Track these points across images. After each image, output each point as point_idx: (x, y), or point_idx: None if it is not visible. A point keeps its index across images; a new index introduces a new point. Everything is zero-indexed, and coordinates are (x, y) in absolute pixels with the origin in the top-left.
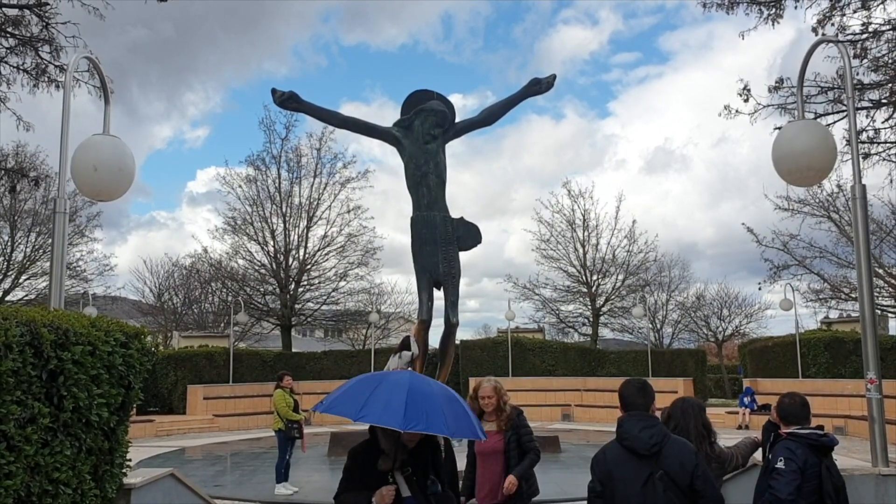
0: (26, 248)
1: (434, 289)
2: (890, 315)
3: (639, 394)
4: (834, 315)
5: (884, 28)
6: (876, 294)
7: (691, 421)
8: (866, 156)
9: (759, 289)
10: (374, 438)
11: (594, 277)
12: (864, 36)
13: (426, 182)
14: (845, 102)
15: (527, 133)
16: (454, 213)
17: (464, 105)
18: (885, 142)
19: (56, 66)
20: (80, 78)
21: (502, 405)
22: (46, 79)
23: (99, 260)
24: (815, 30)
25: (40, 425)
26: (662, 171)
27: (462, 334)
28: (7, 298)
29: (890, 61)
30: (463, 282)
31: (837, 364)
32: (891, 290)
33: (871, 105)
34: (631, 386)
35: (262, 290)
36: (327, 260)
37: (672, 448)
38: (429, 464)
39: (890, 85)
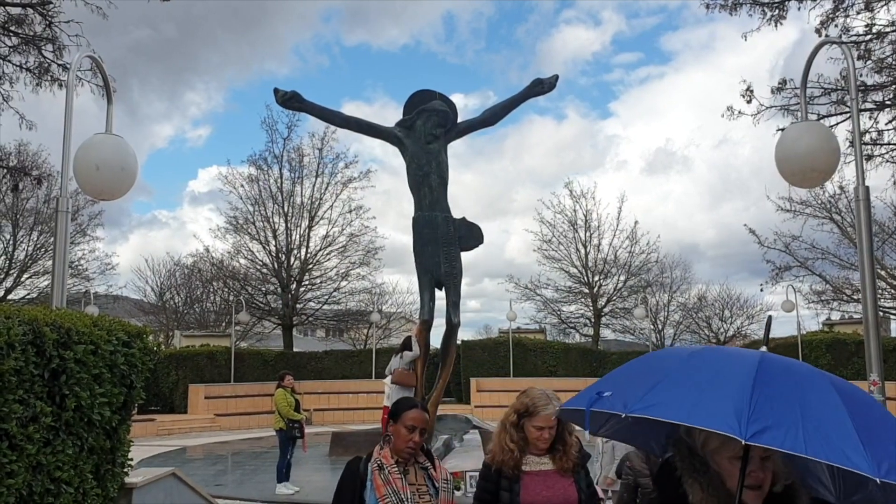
0: (28, 246)
1: (436, 289)
2: (892, 317)
3: None
4: (836, 317)
5: (888, 29)
6: (878, 296)
7: None
8: (869, 157)
9: (761, 290)
10: (668, 482)
11: (596, 278)
12: (868, 37)
13: (428, 182)
14: (849, 104)
15: (528, 133)
16: (456, 214)
17: (465, 105)
18: (889, 143)
19: (59, 65)
20: (82, 77)
21: (567, 435)
22: (49, 78)
23: (100, 259)
24: (818, 31)
25: (42, 424)
26: (664, 172)
27: (463, 334)
28: (9, 297)
29: (894, 63)
30: (464, 282)
31: (839, 366)
32: (893, 291)
33: (874, 107)
34: None
35: (263, 289)
36: (329, 260)
37: None
38: None
39: (894, 86)
